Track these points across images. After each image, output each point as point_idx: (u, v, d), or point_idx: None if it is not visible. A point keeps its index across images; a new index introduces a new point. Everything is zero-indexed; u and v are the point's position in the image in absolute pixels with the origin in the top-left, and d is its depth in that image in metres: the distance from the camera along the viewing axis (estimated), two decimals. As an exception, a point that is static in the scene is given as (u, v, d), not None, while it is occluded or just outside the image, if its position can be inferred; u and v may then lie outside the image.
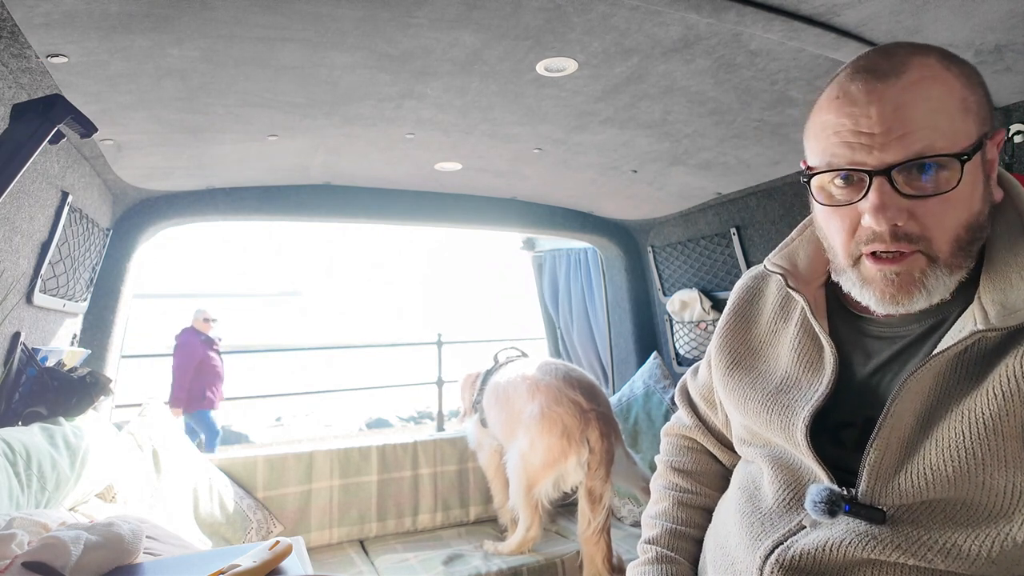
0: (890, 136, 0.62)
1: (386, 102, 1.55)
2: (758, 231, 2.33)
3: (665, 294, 2.92)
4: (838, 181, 0.67)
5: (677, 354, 2.89)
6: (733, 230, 2.41)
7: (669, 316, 2.89)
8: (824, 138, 0.67)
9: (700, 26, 1.15)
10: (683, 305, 2.75)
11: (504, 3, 1.08)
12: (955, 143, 0.62)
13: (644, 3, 1.06)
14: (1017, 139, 1.38)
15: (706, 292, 2.65)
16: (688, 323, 2.77)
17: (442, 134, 1.81)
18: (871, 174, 0.63)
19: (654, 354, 2.94)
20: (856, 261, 0.68)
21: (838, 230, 0.69)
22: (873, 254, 0.66)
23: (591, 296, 3.58)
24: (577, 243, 3.57)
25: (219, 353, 5.31)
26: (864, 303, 0.70)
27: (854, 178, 0.65)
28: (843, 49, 1.17)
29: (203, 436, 5.24)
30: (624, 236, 3.06)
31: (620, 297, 3.15)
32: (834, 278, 0.74)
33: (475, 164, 2.14)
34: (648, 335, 3.10)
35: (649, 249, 2.98)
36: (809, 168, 0.70)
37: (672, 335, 2.91)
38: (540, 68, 1.34)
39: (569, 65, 1.32)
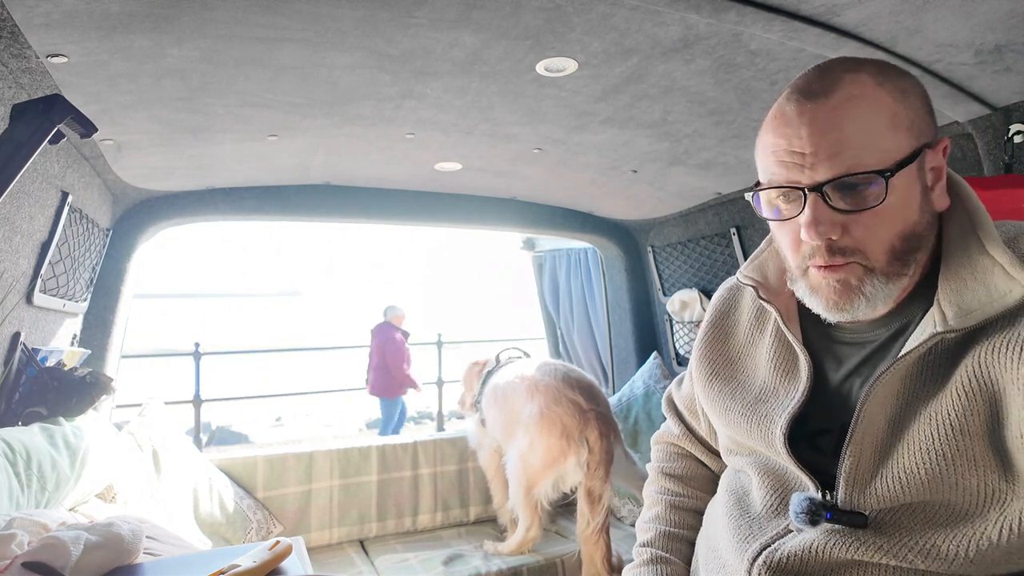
0: (819, 156, 0.65)
1: (386, 102, 1.55)
2: (758, 231, 2.33)
3: (665, 294, 2.92)
4: (781, 197, 0.70)
5: (677, 354, 2.89)
6: (733, 230, 2.41)
7: (669, 316, 2.89)
8: (765, 157, 0.70)
9: (700, 26, 1.15)
10: (683, 305, 2.75)
11: (504, 3, 1.08)
12: (882, 159, 0.64)
13: (644, 3, 1.06)
14: (1017, 139, 1.38)
15: (706, 292, 2.65)
16: (688, 323, 2.77)
17: (442, 134, 1.80)
18: (805, 192, 0.66)
19: (654, 354, 2.94)
20: (805, 271, 0.71)
21: (786, 243, 0.72)
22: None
23: (591, 296, 3.57)
24: (577, 243, 3.57)
25: (409, 345, 5.91)
26: (815, 311, 0.72)
27: (792, 195, 0.68)
28: (843, 49, 1.17)
29: (395, 418, 5.78)
30: (624, 236, 3.06)
31: (620, 297, 3.15)
32: (789, 286, 0.76)
33: (475, 164, 2.14)
34: (648, 335, 3.10)
35: (649, 249, 2.98)
36: (758, 184, 0.73)
37: (672, 335, 2.91)
38: (540, 68, 1.34)
39: (569, 65, 1.32)
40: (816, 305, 0.71)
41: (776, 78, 1.35)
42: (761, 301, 0.81)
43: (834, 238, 0.66)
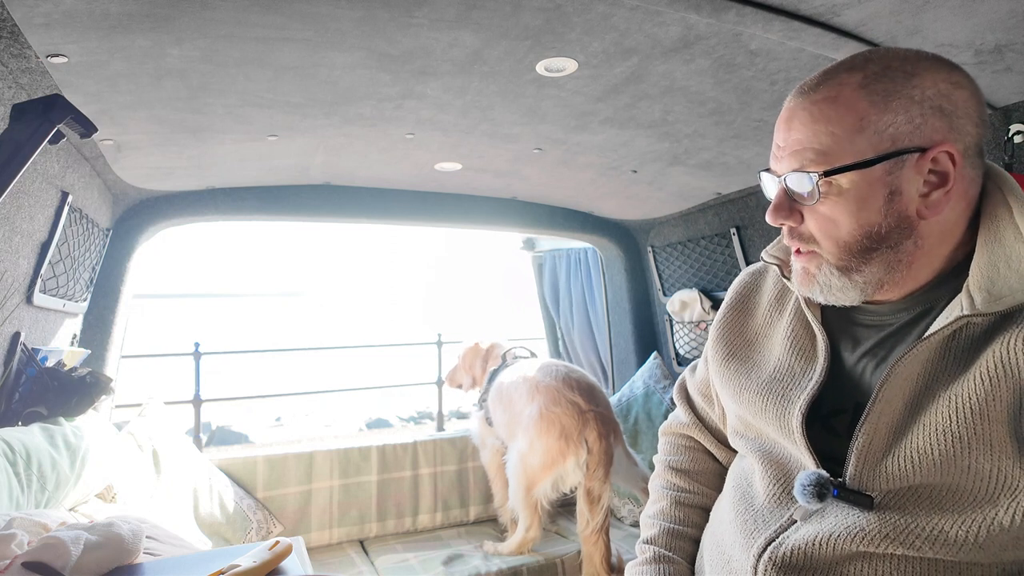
0: (785, 150, 0.71)
1: (386, 102, 1.55)
2: (758, 231, 2.33)
3: (665, 294, 2.92)
4: (773, 184, 0.76)
5: (677, 354, 2.89)
6: (733, 230, 2.41)
7: (669, 316, 2.89)
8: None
9: (700, 26, 1.15)
10: (683, 305, 2.75)
11: (504, 3, 1.08)
12: (832, 160, 0.67)
13: (644, 3, 1.06)
14: (1017, 139, 1.38)
15: (706, 292, 2.65)
16: (688, 323, 2.77)
17: (442, 134, 1.81)
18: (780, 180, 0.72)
19: (654, 354, 2.94)
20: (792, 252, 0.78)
21: None
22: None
23: (591, 296, 3.57)
24: (577, 243, 3.57)
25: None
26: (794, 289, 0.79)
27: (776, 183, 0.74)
28: (843, 49, 1.17)
29: None
30: (624, 236, 3.06)
31: (620, 297, 3.15)
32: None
33: (475, 164, 2.14)
34: (648, 335, 3.10)
35: (649, 249, 2.98)
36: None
37: (672, 335, 2.91)
38: (540, 68, 1.34)
39: (569, 65, 1.32)
40: (793, 283, 0.79)
41: (776, 78, 1.35)
42: (784, 280, 0.83)
43: (792, 224, 0.73)
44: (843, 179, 0.67)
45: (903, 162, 0.66)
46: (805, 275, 0.75)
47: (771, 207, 0.73)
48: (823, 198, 0.69)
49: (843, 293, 0.72)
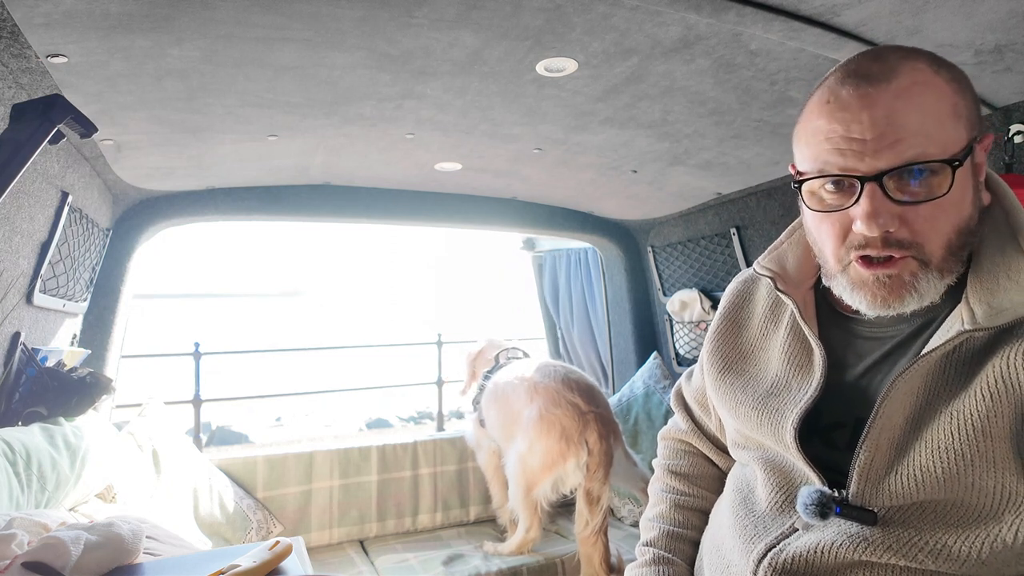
0: (882, 142, 0.61)
1: (386, 102, 1.55)
2: (758, 231, 2.33)
3: (665, 294, 2.92)
4: (829, 187, 0.66)
5: (677, 354, 2.89)
6: (733, 230, 2.41)
7: (669, 316, 2.89)
8: (815, 144, 0.66)
9: (700, 26, 1.15)
10: (683, 305, 2.75)
11: (504, 3, 1.08)
12: (946, 149, 0.62)
13: (644, 3, 1.06)
14: (1017, 139, 1.38)
15: (706, 292, 2.65)
16: (688, 323, 2.77)
17: (442, 134, 1.81)
18: (863, 180, 0.63)
19: (654, 354, 2.94)
20: (846, 266, 0.68)
21: (828, 236, 0.69)
22: (863, 258, 0.66)
23: (591, 296, 3.57)
24: (577, 243, 3.57)
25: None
26: (855, 307, 0.70)
27: (845, 184, 0.65)
28: (843, 49, 1.17)
29: None
30: (624, 236, 3.06)
31: (620, 297, 3.15)
32: (825, 282, 0.74)
33: (475, 164, 2.14)
34: (648, 335, 3.10)
35: (649, 249, 2.98)
36: (799, 173, 0.70)
37: (672, 335, 2.91)
38: (540, 68, 1.34)
39: (569, 65, 1.32)
40: (858, 300, 0.68)
41: (776, 78, 1.35)
42: (778, 293, 0.80)
43: (891, 230, 0.63)
44: (962, 168, 0.62)
45: (975, 150, 0.65)
46: (896, 285, 0.65)
47: (870, 214, 0.62)
48: (951, 190, 0.61)
49: (931, 299, 0.66)
